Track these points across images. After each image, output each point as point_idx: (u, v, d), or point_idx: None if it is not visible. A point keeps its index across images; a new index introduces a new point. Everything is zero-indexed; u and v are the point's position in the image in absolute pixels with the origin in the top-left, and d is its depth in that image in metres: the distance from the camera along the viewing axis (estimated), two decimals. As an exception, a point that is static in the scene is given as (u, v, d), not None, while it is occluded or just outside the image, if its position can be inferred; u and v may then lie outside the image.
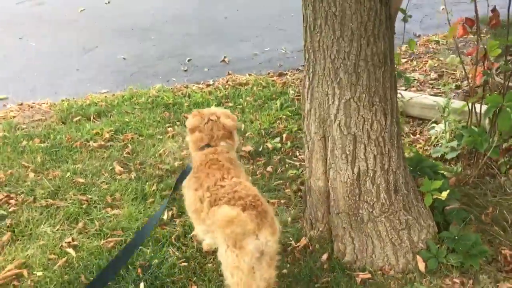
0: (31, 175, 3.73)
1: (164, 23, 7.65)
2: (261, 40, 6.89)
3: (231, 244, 2.18)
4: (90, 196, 3.48)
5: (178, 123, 4.55)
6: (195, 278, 2.76)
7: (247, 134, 4.36)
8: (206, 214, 2.43)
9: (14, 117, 4.82)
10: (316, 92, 2.74)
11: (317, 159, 2.90)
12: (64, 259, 2.90)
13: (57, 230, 3.17)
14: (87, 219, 3.26)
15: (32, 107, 5.06)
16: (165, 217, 3.26)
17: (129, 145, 4.16)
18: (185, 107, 4.83)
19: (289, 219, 3.29)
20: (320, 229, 3.03)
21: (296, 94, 5.04)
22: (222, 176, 2.53)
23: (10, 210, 3.36)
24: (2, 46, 6.77)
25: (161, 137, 4.28)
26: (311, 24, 2.61)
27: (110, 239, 3.06)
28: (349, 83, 2.58)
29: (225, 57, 6.26)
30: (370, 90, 2.58)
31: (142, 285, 2.70)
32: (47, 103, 5.13)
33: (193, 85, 5.48)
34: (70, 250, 2.96)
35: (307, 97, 2.84)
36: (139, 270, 2.79)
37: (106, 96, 5.20)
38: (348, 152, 2.70)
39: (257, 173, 3.83)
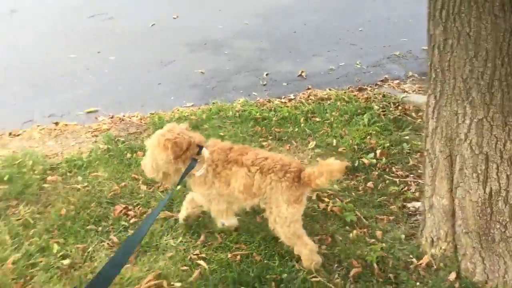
0: (143, 187, 3.89)
1: (234, 37, 7.82)
2: (334, 55, 6.99)
3: (293, 201, 2.83)
4: (205, 209, 3.61)
5: (270, 137, 4.66)
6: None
7: (339, 149, 4.44)
8: (262, 183, 2.87)
9: (108, 129, 5.02)
10: (444, 111, 2.80)
11: (441, 178, 2.95)
12: (197, 271, 3.02)
13: (180, 242, 3.30)
14: (207, 232, 3.38)
15: (123, 120, 5.26)
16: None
17: (229, 159, 4.29)
18: (274, 121, 4.94)
19: (403, 236, 3.35)
20: (443, 247, 3.07)
21: (381, 110, 5.11)
22: (256, 152, 3.00)
23: (130, 221, 3.51)
24: (83, 59, 7.03)
25: (258, 151, 4.40)
26: (441, 44, 2.68)
27: (235, 252, 3.17)
28: (482, 103, 2.62)
29: (302, 71, 6.37)
30: (503, 110, 2.62)
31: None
32: (137, 116, 5.32)
33: (275, 100, 5.60)
34: (201, 262, 3.09)
35: (433, 116, 2.90)
36: (273, 284, 2.90)
37: (192, 110, 5.37)
38: (479, 172, 2.74)
39: (359, 188, 3.91)
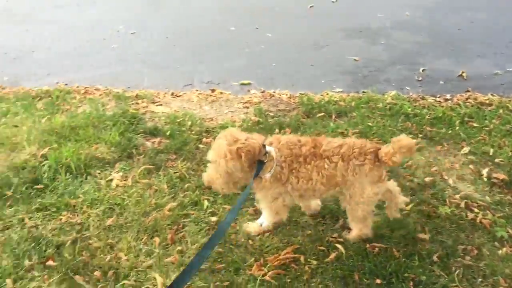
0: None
1: (393, 28, 7.60)
2: (501, 58, 6.43)
3: (377, 181, 2.89)
4: (346, 195, 3.61)
5: (420, 135, 4.48)
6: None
7: (496, 160, 4.11)
8: (347, 172, 2.85)
9: (259, 103, 5.23)
10: None
11: None
12: (334, 254, 3.05)
13: (318, 222, 3.36)
14: (345, 219, 3.40)
15: (273, 96, 5.44)
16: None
17: (376, 150, 4.22)
18: (426, 120, 4.73)
19: None
20: None
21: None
22: (329, 141, 2.95)
23: (274, 193, 3.65)
24: (242, 33, 7.38)
25: (407, 147, 4.26)
26: None
27: (374, 244, 3.14)
28: None
29: (462, 72, 5.99)
30: None
31: (413, 300, 2.73)
32: (286, 94, 5.46)
33: (429, 97, 5.34)
34: (339, 246, 3.11)
35: None
36: (411, 283, 2.83)
37: (341, 96, 5.36)
38: None
39: (519, 205, 3.61)
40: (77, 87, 5.66)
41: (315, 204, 3.42)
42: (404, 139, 2.80)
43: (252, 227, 3.26)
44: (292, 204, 3.14)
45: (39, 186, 3.62)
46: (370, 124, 4.62)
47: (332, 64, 6.33)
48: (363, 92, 5.41)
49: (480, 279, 2.92)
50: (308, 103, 5.08)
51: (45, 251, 3.02)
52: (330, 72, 6.11)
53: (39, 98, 5.28)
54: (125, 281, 2.81)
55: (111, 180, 3.76)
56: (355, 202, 2.96)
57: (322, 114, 4.85)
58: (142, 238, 3.16)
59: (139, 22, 7.84)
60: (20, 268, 2.88)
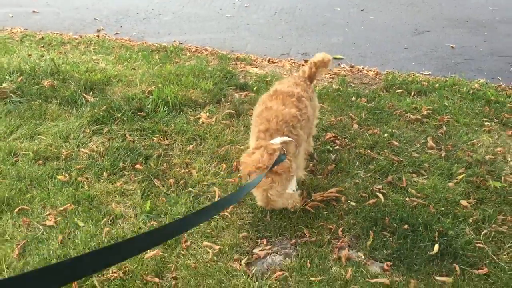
0: (355, 126, 4.35)
1: (500, 22, 7.39)
2: None
3: None
4: (401, 159, 3.88)
5: (496, 120, 4.53)
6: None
7: None
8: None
9: (345, 76, 5.58)
10: None
11: None
12: (373, 200, 3.39)
13: (369, 176, 3.69)
14: (395, 176, 3.68)
15: (361, 72, 5.75)
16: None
17: (444, 126, 4.38)
18: (507, 108, 4.73)
19: None
20: None
21: None
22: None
23: (335, 148, 4.04)
24: (346, 14, 7.70)
25: (476, 128, 4.37)
26: None
27: (413, 199, 3.42)
28: None
29: None
30: None
31: (436, 246, 2.99)
32: (374, 71, 5.73)
33: (519, 88, 5.28)
34: (379, 195, 3.45)
35: None
36: (436, 233, 3.08)
37: (428, 78, 5.50)
38: None
39: None
40: (189, 46, 6.47)
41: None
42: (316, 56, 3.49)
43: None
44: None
45: (142, 113, 4.41)
46: (446, 104, 4.76)
47: (427, 49, 6.42)
48: (451, 76, 5.49)
49: (509, 245, 3.07)
50: (392, 80, 5.32)
51: (136, 159, 3.77)
52: (422, 56, 6.22)
53: (157, 51, 6.17)
54: (191, 189, 3.44)
55: (198, 118, 4.44)
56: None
57: (401, 90, 5.08)
58: (213, 163, 3.78)
59: (254, -2, 8.52)
60: (115, 167, 3.66)
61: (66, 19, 7.49)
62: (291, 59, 6.11)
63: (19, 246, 2.86)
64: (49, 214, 3.15)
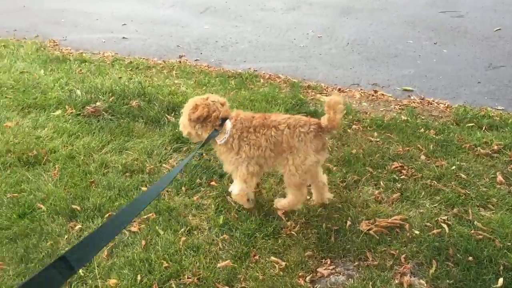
0: (422, 157, 4.43)
1: None
2: None
3: (320, 149, 3.31)
4: (468, 192, 3.92)
5: None
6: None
7: None
8: (293, 138, 3.24)
9: (415, 107, 5.66)
10: None
11: None
12: (437, 230, 3.46)
13: (434, 206, 3.76)
14: (462, 208, 3.73)
15: (431, 104, 5.80)
16: None
17: (515, 162, 4.37)
18: None
19: None
20: None
21: None
22: (278, 114, 3.43)
23: (401, 177, 4.14)
24: (418, 47, 7.76)
25: (549, 166, 4.30)
26: None
27: (479, 232, 3.45)
28: None
29: None
30: None
31: (501, 280, 3.01)
32: (444, 104, 5.76)
33: None
34: (444, 225, 3.51)
35: None
36: (501, 267, 3.11)
37: (501, 113, 5.45)
38: None
39: None
40: (263, 73, 6.81)
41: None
42: (331, 98, 3.18)
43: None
44: (259, 175, 3.59)
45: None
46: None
47: (501, 84, 6.33)
48: (523, 111, 5.42)
49: None
50: (462, 114, 5.34)
51: (211, 176, 4.08)
52: (496, 91, 6.15)
53: (233, 77, 6.56)
54: (261, 208, 3.69)
55: (270, 141, 4.70)
56: (295, 169, 3.29)
57: (472, 124, 5.08)
58: (281, 185, 4.00)
59: (327, 28, 8.78)
60: (192, 183, 3.98)
61: (152, 45, 8.13)
62: (361, 89, 6.27)
63: (108, 247, 3.23)
64: (134, 221, 3.51)
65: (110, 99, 5.44)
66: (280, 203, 3.59)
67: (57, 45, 8.15)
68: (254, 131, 3.32)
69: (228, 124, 3.38)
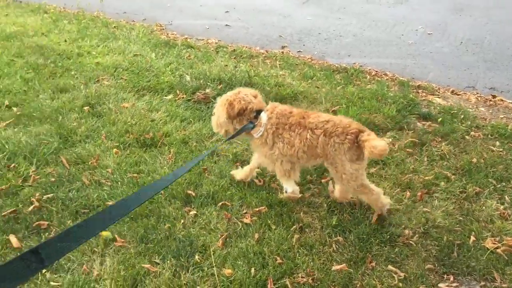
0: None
1: None
2: None
3: (356, 159, 3.17)
4: None
5: None
6: None
7: None
8: (327, 146, 3.16)
9: (540, 117, 5.19)
10: None
11: None
12: None
13: None
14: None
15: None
16: None
17: None
18: None
19: None
20: None
21: None
22: (317, 115, 3.27)
23: (528, 193, 3.81)
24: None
25: None
26: None
27: None
28: None
29: None
30: None
31: None
32: None
33: None
34: None
35: None
36: None
37: None
38: None
39: None
40: (369, 69, 6.58)
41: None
42: (379, 147, 2.94)
43: (237, 173, 3.79)
44: (298, 168, 3.49)
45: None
46: None
47: None
48: None
49: None
50: None
51: (322, 174, 3.99)
52: None
53: (337, 71, 6.40)
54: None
55: (381, 142, 4.52)
56: (340, 178, 3.25)
57: None
58: (396, 189, 3.83)
59: (438, 25, 8.31)
60: (303, 179, 3.91)
61: (255, 34, 8.15)
62: (477, 93, 5.86)
63: (223, 237, 3.25)
64: (246, 212, 3.51)
65: (219, 87, 5.50)
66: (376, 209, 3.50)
67: (163, 29, 8.41)
68: (289, 129, 3.27)
69: (264, 116, 3.34)
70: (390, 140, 4.54)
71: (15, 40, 6.87)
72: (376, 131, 4.69)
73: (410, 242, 3.26)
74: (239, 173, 3.83)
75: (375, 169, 4.08)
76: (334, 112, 4.95)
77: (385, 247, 3.23)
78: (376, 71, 6.52)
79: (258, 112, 3.37)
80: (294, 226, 3.38)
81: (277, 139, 3.31)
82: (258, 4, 9.81)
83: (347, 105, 5.11)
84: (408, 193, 3.77)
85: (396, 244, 3.26)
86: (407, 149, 4.39)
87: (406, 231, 3.35)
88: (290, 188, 3.52)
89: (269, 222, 3.41)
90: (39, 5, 9.11)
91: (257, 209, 3.53)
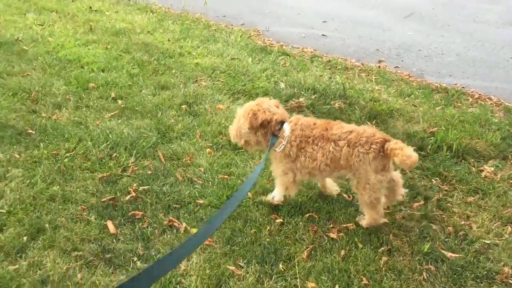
0: None
1: None
2: None
3: (381, 169, 3.11)
4: None
5: None
6: None
7: None
8: (351, 157, 3.09)
9: None
10: None
11: None
12: None
13: None
14: None
15: None
16: None
17: None
18: None
19: None
20: None
21: None
22: (340, 126, 3.20)
23: None
24: None
25: None
26: None
27: None
28: None
29: None
30: None
31: None
32: None
33: None
34: None
35: None
36: None
37: None
38: None
39: None
40: (472, 91, 6.23)
41: (333, 188, 3.73)
42: (412, 158, 2.87)
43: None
44: (302, 183, 3.55)
45: (422, 152, 4.44)
46: None
47: None
48: None
49: None
50: None
51: (415, 197, 3.82)
52: None
53: (437, 91, 6.13)
54: (472, 243, 3.32)
55: (481, 170, 4.25)
56: (362, 188, 3.16)
57: None
58: (496, 222, 3.57)
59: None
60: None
61: (351, 46, 8.04)
62: None
63: (308, 249, 3.21)
64: (333, 227, 3.44)
65: (313, 96, 5.48)
66: (361, 222, 3.47)
67: (260, 34, 8.55)
68: (312, 142, 3.21)
69: (287, 128, 3.28)
70: (493, 169, 4.25)
71: (123, 36, 7.31)
72: (477, 158, 4.43)
73: (510, 281, 3.02)
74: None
75: (473, 198, 3.84)
76: (432, 134, 4.73)
77: (481, 283, 3.02)
78: (480, 94, 6.15)
79: (282, 123, 3.32)
80: (383, 248, 3.26)
81: (300, 152, 3.25)
82: (357, 16, 9.68)
83: (446, 128, 4.85)
84: (509, 228, 3.50)
85: (493, 281, 3.03)
86: (510, 180, 4.09)
87: (506, 269, 3.11)
88: (278, 196, 3.54)
89: (356, 240, 3.32)
90: (146, 5, 9.64)
91: (345, 225, 3.45)
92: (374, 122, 5.00)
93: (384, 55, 7.67)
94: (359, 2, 10.71)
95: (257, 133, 3.33)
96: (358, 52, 7.80)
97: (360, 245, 3.28)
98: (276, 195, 3.55)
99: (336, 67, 6.89)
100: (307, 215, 3.54)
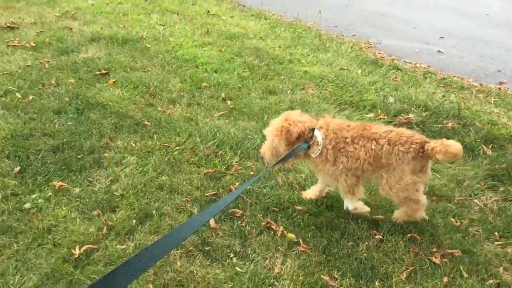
0: None
1: None
2: None
3: (418, 170, 3.13)
4: None
5: None
6: None
7: None
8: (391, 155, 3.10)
9: None
10: None
11: None
12: None
13: None
14: None
15: None
16: None
17: None
18: None
19: None
20: None
21: None
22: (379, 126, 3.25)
23: None
24: None
25: None
26: None
27: None
28: None
29: None
30: None
31: None
32: None
33: None
34: None
35: None
36: None
37: None
38: None
39: None
40: None
41: (364, 208, 3.51)
42: (454, 145, 2.92)
43: (307, 193, 3.69)
44: (360, 182, 3.35)
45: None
46: None
47: None
48: None
49: None
50: None
51: None
52: None
53: None
54: None
55: None
56: (389, 188, 3.18)
57: None
58: None
59: None
60: (508, 232, 3.47)
61: (469, 64, 7.58)
62: None
63: (408, 270, 3.06)
64: (436, 251, 3.25)
65: (424, 114, 5.24)
66: (396, 215, 3.49)
67: (371, 47, 8.37)
68: (352, 142, 3.18)
69: (319, 134, 3.26)
70: None
71: (237, 40, 7.57)
72: None
73: None
74: (309, 193, 3.72)
75: None
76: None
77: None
78: None
79: (312, 130, 3.30)
80: (491, 281, 3.02)
81: (339, 153, 3.22)
82: (477, 34, 9.11)
83: None
84: None
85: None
86: None
87: None
88: (351, 205, 3.46)
89: (462, 268, 3.10)
90: (260, 11, 9.89)
91: (450, 251, 3.25)
92: (490, 146, 4.65)
93: (506, 76, 7.13)
94: (482, 19, 10.08)
95: (291, 147, 3.31)
96: (476, 71, 7.32)
97: (466, 275, 3.06)
98: (348, 205, 3.48)
99: (451, 85, 6.53)
100: (409, 235, 3.38)
